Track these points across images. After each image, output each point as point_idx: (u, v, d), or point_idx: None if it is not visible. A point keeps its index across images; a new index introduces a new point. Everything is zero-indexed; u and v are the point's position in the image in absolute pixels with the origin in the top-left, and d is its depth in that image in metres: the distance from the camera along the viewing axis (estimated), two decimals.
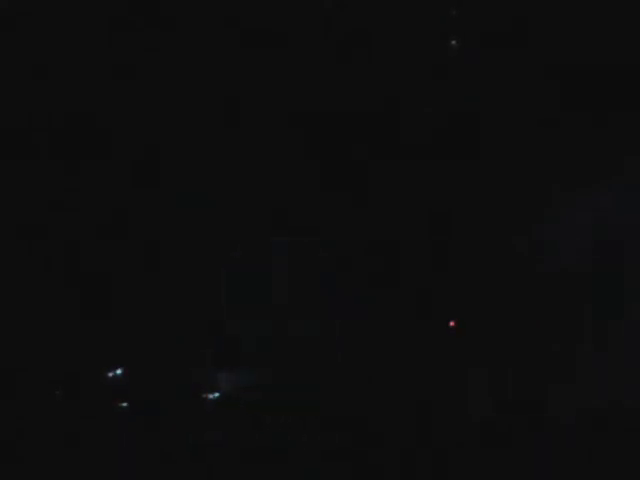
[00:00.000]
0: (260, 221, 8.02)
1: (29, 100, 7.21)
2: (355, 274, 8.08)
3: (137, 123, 7.51)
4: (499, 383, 7.12)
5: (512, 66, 7.27)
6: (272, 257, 7.73)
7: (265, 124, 7.72)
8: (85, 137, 7.40)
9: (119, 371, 7.20)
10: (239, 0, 7.19)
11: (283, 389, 7.42)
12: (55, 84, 7.25)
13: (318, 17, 7.13)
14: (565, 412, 6.65)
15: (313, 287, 8.16)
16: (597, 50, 6.97)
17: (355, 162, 7.92)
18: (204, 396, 7.41)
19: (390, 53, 7.36)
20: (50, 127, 7.31)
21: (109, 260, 7.55)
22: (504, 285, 7.66)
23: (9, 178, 7.23)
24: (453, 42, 7.34)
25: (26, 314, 7.30)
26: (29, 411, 6.42)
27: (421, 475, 6.25)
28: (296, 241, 7.85)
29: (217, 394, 7.50)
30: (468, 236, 7.76)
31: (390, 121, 7.81)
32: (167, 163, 7.60)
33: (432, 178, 7.90)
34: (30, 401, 6.51)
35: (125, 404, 6.96)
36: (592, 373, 6.84)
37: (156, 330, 7.52)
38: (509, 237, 7.61)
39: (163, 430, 6.43)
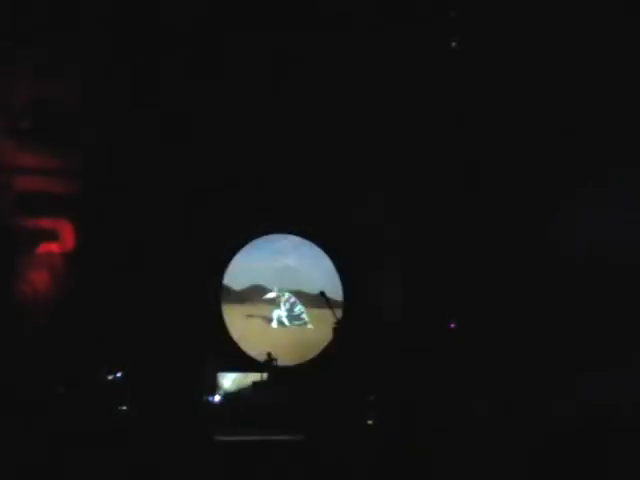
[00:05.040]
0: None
1: None
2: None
3: None
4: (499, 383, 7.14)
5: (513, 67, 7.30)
6: None
7: None
8: None
9: (119, 374, 7.20)
10: None
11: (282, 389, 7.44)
12: None
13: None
14: (566, 412, 6.66)
15: None
16: (597, 49, 6.98)
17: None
18: (205, 398, 7.41)
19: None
20: None
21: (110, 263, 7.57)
22: (506, 285, 7.69)
23: None
24: (453, 44, 7.35)
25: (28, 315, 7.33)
26: (29, 411, 6.42)
27: (421, 474, 6.26)
28: None
29: (218, 396, 7.50)
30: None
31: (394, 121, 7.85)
32: None
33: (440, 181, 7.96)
34: (31, 402, 6.51)
35: (124, 407, 6.95)
36: (593, 373, 6.85)
37: (157, 332, 7.52)
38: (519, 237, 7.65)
39: (162, 431, 6.42)
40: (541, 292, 7.45)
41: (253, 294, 8.64)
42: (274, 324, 8.60)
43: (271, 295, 8.62)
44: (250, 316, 8.54)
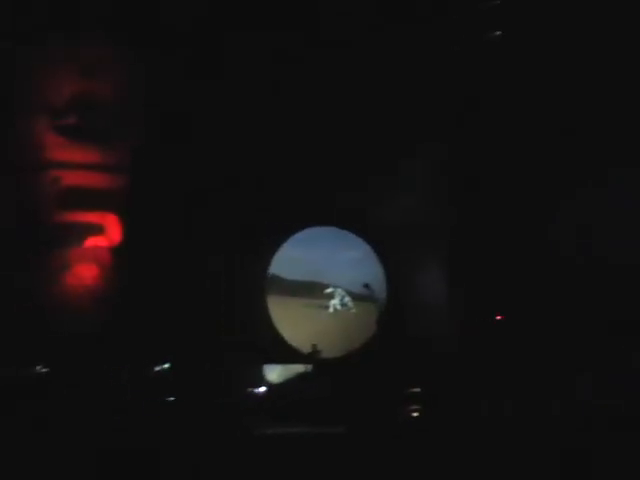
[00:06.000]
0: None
1: None
2: None
3: None
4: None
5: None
6: None
7: None
8: None
9: (167, 365, 7.21)
10: None
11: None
12: None
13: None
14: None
15: None
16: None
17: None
18: (250, 390, 7.41)
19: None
20: None
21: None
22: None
23: None
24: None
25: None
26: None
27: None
28: None
29: (264, 388, 7.49)
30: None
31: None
32: None
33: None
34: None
35: (171, 398, 6.95)
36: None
37: (202, 324, 7.52)
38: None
39: (209, 424, 6.41)
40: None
41: (299, 286, 8.70)
42: (330, 310, 8.69)
43: (329, 290, 8.71)
44: (297, 308, 8.60)
